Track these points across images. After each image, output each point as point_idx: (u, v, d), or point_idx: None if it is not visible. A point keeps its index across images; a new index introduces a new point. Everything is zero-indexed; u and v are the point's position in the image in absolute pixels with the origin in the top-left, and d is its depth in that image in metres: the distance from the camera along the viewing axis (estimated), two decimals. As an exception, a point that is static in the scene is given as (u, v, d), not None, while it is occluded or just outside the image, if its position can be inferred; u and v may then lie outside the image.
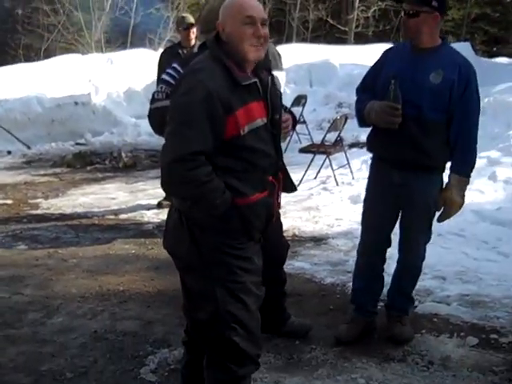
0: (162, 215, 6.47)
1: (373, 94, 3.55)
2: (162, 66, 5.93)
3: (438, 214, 3.65)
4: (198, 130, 2.37)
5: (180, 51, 6.30)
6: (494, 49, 25.44)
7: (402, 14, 3.48)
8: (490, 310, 4.24)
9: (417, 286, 4.05)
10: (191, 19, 6.33)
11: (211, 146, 2.40)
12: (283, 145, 9.58)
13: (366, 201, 3.81)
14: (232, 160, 2.48)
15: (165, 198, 6.74)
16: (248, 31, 2.47)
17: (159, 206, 6.77)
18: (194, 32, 6.23)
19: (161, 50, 9.67)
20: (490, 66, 13.76)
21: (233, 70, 2.47)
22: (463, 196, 3.52)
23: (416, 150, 3.41)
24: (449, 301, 4.39)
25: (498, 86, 10.42)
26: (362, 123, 3.69)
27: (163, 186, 2.49)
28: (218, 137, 2.41)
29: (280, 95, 2.80)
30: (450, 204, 3.52)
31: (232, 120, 2.43)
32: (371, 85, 3.62)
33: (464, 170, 3.49)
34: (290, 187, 2.99)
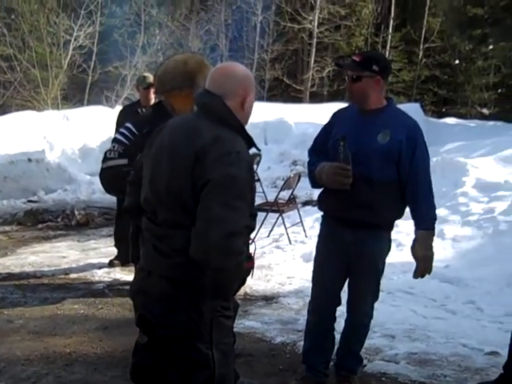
0: (114, 274, 6.41)
1: (324, 156, 3.64)
2: (120, 123, 5.96)
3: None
4: (246, 202, 2.40)
5: (139, 110, 6.34)
6: (443, 109, 26.24)
7: (346, 78, 3.62)
8: (438, 369, 4.29)
9: (366, 345, 4.08)
10: (151, 79, 6.40)
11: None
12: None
13: (316, 259, 3.85)
14: (248, 229, 2.49)
15: (116, 257, 6.68)
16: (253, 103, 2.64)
17: (111, 264, 6.69)
18: (153, 92, 6.28)
19: (118, 108, 9.73)
20: (439, 126, 14.20)
21: (251, 137, 2.56)
22: (431, 248, 3.61)
23: (366, 208, 3.49)
24: (397, 359, 4.42)
25: (446, 145, 10.75)
26: (314, 184, 3.77)
27: (206, 257, 2.34)
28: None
29: None
30: (421, 259, 3.59)
31: (255, 188, 2.53)
32: (322, 146, 3.72)
33: (427, 224, 3.59)
34: None
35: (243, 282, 2.64)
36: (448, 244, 6.70)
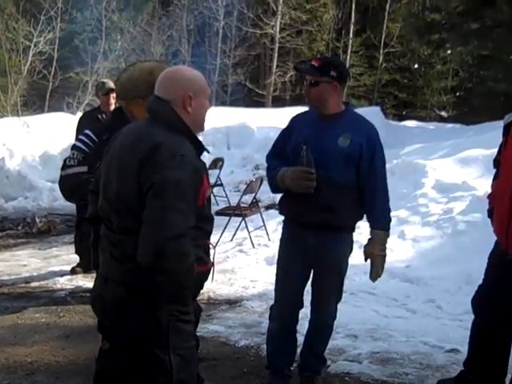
0: (76, 281, 6.34)
1: (283, 160, 3.67)
2: (80, 130, 5.91)
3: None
4: (189, 204, 2.39)
5: (99, 116, 6.30)
6: (404, 112, 26.68)
7: (305, 83, 3.66)
8: (400, 367, 4.35)
9: (329, 346, 4.12)
10: (111, 85, 6.35)
11: (195, 220, 2.45)
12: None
13: (278, 263, 3.87)
14: (193, 230, 2.49)
15: (78, 265, 6.61)
16: (208, 105, 2.66)
17: (73, 272, 6.62)
18: (113, 97, 6.25)
19: (79, 114, 9.64)
20: (399, 129, 14.40)
21: (199, 140, 2.57)
22: (385, 249, 3.67)
23: (328, 211, 3.53)
24: (360, 359, 4.46)
25: (406, 147, 10.91)
26: (275, 189, 3.80)
27: (152, 260, 2.35)
28: (196, 209, 2.47)
29: None
30: (374, 258, 3.66)
31: (202, 191, 2.50)
32: (281, 151, 3.74)
33: (382, 225, 3.66)
34: None
35: (201, 286, 2.66)
36: (408, 244, 6.80)
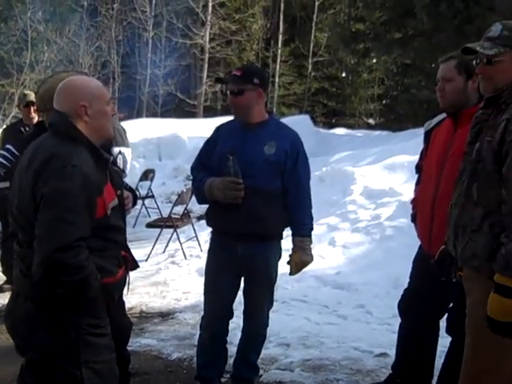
0: (3, 299, 6.14)
1: (209, 171, 3.67)
2: (2, 143, 5.78)
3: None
4: (79, 215, 2.37)
5: (22, 129, 6.15)
6: (333, 120, 27.15)
7: (229, 94, 3.67)
8: (331, 373, 4.39)
9: (262, 355, 4.13)
10: (32, 97, 6.20)
11: (89, 231, 2.41)
12: (132, 220, 9.42)
13: (207, 274, 3.88)
14: (96, 240, 2.47)
15: (5, 282, 6.41)
16: (109, 111, 2.62)
17: (0, 290, 6.42)
18: (34, 110, 6.11)
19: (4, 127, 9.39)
20: (329, 137, 14.62)
21: (98, 149, 2.54)
22: (310, 253, 3.74)
23: (255, 220, 3.55)
24: (292, 367, 4.49)
25: (336, 155, 11.09)
26: (202, 200, 3.79)
27: (43, 273, 2.35)
28: (92, 220, 2.42)
29: (120, 172, 2.88)
30: (301, 264, 3.73)
31: (101, 201, 2.47)
32: (206, 162, 3.74)
33: (305, 232, 3.71)
34: (133, 264, 3.02)
35: (112, 298, 2.63)
36: (339, 251, 6.90)
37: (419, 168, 3.77)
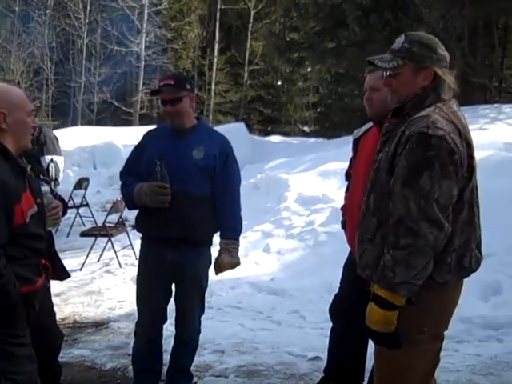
0: None
1: (138, 177, 3.68)
2: None
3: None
4: None
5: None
6: (269, 128, 27.37)
7: (162, 103, 3.68)
8: (265, 378, 4.44)
9: (196, 362, 4.15)
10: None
11: (6, 238, 2.38)
12: (66, 229, 9.22)
13: (138, 280, 3.87)
14: (15, 248, 2.45)
15: None
16: (29, 122, 2.59)
17: None
18: None
19: None
20: (264, 144, 14.73)
21: (14, 157, 2.51)
22: (236, 256, 3.76)
23: (185, 225, 3.57)
24: (227, 373, 4.51)
25: (271, 162, 11.19)
26: (132, 206, 3.79)
27: None
28: (10, 227, 2.40)
29: (51, 180, 2.86)
30: (224, 266, 3.74)
31: (19, 208, 2.44)
32: (134, 168, 3.75)
33: (232, 235, 3.75)
34: (63, 274, 2.99)
35: (33, 307, 2.60)
36: (273, 257, 6.97)
37: (348, 175, 3.87)
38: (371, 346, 3.84)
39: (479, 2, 13.54)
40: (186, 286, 3.75)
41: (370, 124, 3.66)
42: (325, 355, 4.24)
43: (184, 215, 3.56)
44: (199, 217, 3.60)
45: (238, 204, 3.76)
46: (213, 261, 3.82)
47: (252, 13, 28.38)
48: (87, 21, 26.51)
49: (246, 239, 7.33)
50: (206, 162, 3.61)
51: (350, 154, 3.86)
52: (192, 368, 4.07)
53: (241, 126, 14.75)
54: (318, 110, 28.12)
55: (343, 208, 3.93)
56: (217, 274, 3.83)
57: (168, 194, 3.52)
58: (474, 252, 2.59)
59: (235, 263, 3.79)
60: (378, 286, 2.43)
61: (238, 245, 3.80)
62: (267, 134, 22.02)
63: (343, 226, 3.86)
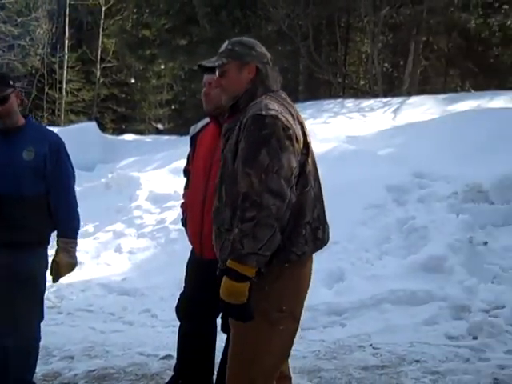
0: None
1: None
2: None
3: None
4: None
5: None
6: (123, 126, 26.92)
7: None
8: (116, 382, 4.33)
9: (44, 371, 4.00)
10: None
11: None
12: None
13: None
14: None
15: None
16: None
17: None
18: None
19: None
20: (117, 143, 14.49)
21: None
22: (74, 256, 3.64)
23: (19, 228, 3.42)
24: (76, 380, 4.35)
25: (122, 161, 11.03)
26: None
27: None
28: None
29: None
30: (62, 266, 3.59)
31: None
32: None
33: (70, 234, 3.62)
34: None
35: None
36: (125, 257, 6.87)
37: (187, 172, 3.86)
38: (220, 340, 3.90)
39: (322, 2, 14.10)
40: (20, 290, 3.55)
41: (207, 120, 3.69)
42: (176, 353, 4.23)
43: (14, 217, 3.41)
44: (33, 218, 3.46)
45: (74, 201, 3.65)
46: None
47: (103, 9, 27.67)
48: None
49: (97, 240, 7.17)
50: (36, 163, 3.47)
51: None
52: (39, 377, 3.91)
53: (92, 125, 14.39)
54: (173, 107, 28.05)
55: (183, 206, 3.92)
56: (54, 280, 3.68)
57: None
58: (326, 225, 2.77)
59: (74, 264, 3.66)
60: (230, 260, 2.49)
61: (77, 244, 3.68)
62: (121, 132, 21.63)
63: (184, 224, 3.84)
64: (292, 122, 2.58)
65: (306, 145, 2.65)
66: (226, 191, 2.66)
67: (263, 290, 2.57)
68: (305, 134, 2.66)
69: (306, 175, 2.63)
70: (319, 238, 2.71)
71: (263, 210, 2.43)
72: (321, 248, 2.76)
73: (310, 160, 2.67)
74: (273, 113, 2.52)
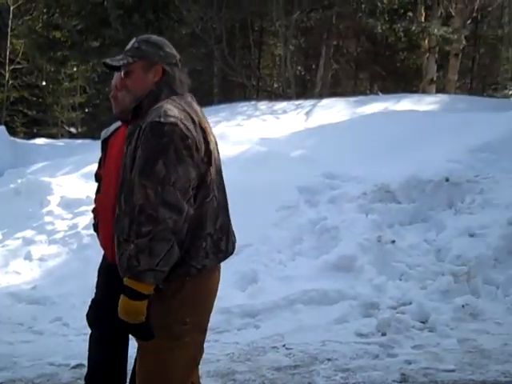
0: None
1: None
2: None
3: None
4: None
5: None
6: (35, 130, 26.15)
7: None
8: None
9: None
10: None
11: None
12: None
13: None
14: None
15: None
16: None
17: None
18: None
19: None
20: (28, 148, 14.07)
21: None
22: None
23: None
24: (-19, 395, 4.22)
25: (33, 166, 10.72)
26: None
27: None
28: None
29: None
30: None
31: None
32: None
33: None
34: None
35: None
36: (35, 264, 6.67)
37: (98, 177, 3.79)
38: (132, 347, 3.85)
39: (234, 5, 14.17)
40: None
41: (119, 123, 3.63)
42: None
43: None
44: None
45: None
46: None
47: (11, 8, 26.77)
48: None
49: (5, 248, 6.95)
50: None
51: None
52: None
53: (1, 129, 13.91)
54: (86, 110, 27.49)
55: (94, 211, 3.85)
56: None
57: None
58: (230, 235, 2.71)
59: None
60: (126, 278, 2.41)
61: None
62: (33, 136, 20.99)
63: (95, 229, 3.78)
64: (193, 130, 2.50)
65: (209, 153, 2.58)
66: (125, 199, 2.56)
67: (163, 304, 2.52)
68: (207, 142, 2.58)
69: (208, 185, 2.56)
70: (222, 250, 2.64)
71: (159, 224, 2.35)
72: (224, 260, 2.70)
73: (212, 169, 2.60)
74: (172, 120, 2.44)
